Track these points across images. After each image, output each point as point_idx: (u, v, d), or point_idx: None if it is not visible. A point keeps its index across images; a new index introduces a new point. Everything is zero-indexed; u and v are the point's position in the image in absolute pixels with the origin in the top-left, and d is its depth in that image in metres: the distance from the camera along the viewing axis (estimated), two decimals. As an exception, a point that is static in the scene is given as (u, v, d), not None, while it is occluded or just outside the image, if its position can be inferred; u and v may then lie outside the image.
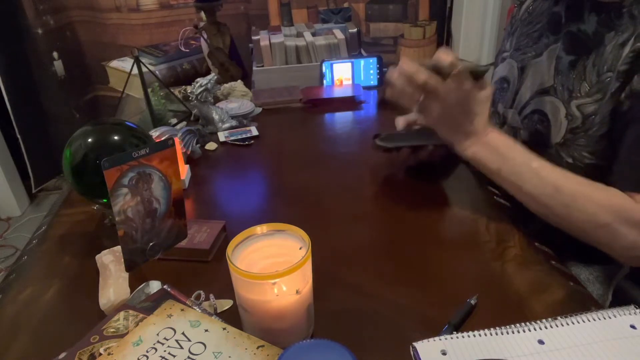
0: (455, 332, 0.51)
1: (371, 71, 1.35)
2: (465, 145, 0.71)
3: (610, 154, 0.68)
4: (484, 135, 0.70)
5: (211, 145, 1.03)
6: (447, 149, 0.86)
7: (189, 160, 0.96)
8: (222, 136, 1.07)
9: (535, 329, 0.50)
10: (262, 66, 1.37)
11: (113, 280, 0.61)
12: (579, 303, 0.58)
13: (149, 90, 1.07)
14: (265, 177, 0.94)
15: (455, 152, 0.73)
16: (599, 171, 0.69)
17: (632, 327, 0.50)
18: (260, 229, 0.53)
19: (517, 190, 0.69)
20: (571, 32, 0.72)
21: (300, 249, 0.51)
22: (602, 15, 0.68)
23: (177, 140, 0.88)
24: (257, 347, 0.45)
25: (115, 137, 0.71)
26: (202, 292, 0.59)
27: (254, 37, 1.38)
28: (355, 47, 1.44)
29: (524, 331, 0.50)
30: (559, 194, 0.65)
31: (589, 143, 0.69)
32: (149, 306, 0.52)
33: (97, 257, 0.66)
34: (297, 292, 0.49)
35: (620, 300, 0.75)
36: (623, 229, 0.61)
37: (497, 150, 0.69)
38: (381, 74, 1.36)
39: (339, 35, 1.39)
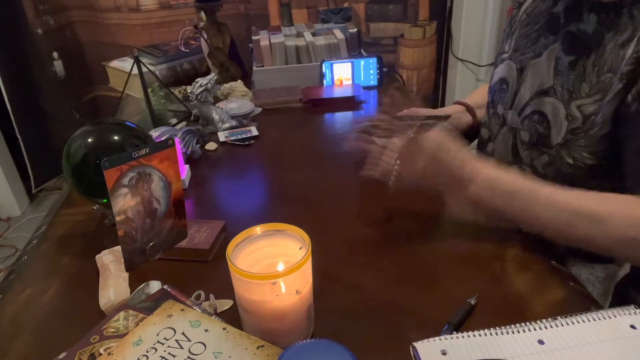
0: (455, 332, 0.51)
1: (371, 71, 1.35)
2: (461, 189, 0.67)
3: (611, 154, 0.68)
4: (477, 174, 0.66)
5: (211, 145, 1.03)
6: None
7: (189, 160, 0.96)
8: (222, 136, 1.07)
9: (535, 329, 0.50)
10: (262, 66, 1.37)
11: (113, 280, 0.61)
12: (579, 303, 0.58)
13: (149, 90, 1.07)
14: (265, 177, 0.94)
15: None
16: (600, 172, 0.69)
17: (632, 327, 0.50)
18: (260, 229, 0.53)
19: (532, 223, 0.65)
20: (570, 32, 0.72)
21: (300, 249, 0.51)
22: (602, 15, 0.68)
23: (177, 140, 0.88)
24: (257, 347, 0.45)
25: (115, 137, 0.71)
26: (202, 292, 0.59)
27: (254, 37, 1.38)
28: (355, 47, 1.44)
29: (524, 331, 0.50)
30: (578, 218, 0.61)
31: (590, 143, 0.69)
32: (149, 306, 0.52)
33: (97, 257, 0.66)
34: (297, 292, 0.49)
35: (620, 300, 0.75)
36: None
37: (499, 187, 0.65)
38: (381, 74, 1.36)
39: (339, 35, 1.39)
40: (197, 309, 0.51)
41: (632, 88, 0.63)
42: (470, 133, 0.99)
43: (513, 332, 0.50)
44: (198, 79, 1.07)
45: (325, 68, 1.33)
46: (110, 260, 0.64)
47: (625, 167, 0.65)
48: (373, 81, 1.36)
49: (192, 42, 1.72)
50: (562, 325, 0.51)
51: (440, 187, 0.70)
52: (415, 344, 0.49)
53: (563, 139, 0.71)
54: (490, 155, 0.88)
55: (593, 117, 0.68)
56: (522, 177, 0.66)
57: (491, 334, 0.50)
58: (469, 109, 0.98)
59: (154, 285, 0.57)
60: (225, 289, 0.56)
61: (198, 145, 0.98)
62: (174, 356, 0.45)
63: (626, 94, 0.64)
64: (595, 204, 0.61)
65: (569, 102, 0.71)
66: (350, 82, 1.35)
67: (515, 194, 0.65)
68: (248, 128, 1.10)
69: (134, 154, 0.57)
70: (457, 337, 0.49)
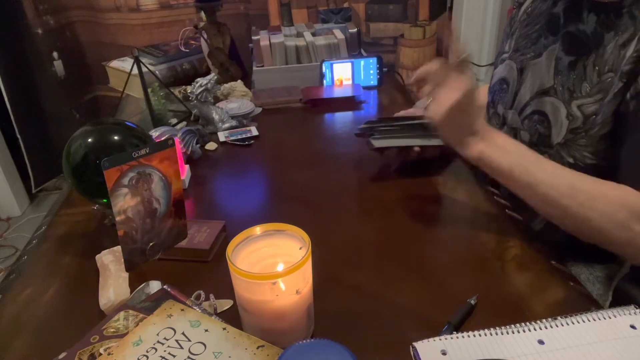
0: (455, 332, 0.51)
1: (371, 71, 1.35)
2: (472, 142, 0.68)
3: (611, 154, 0.68)
4: (488, 133, 0.68)
5: (211, 145, 1.03)
6: (440, 150, 0.86)
7: (189, 160, 0.96)
8: (222, 136, 1.07)
9: (535, 329, 0.50)
10: (262, 66, 1.37)
11: (113, 280, 0.61)
12: (579, 303, 0.58)
13: (149, 90, 1.07)
14: (265, 177, 0.94)
15: (458, 154, 0.70)
16: (600, 171, 0.69)
17: (632, 327, 0.50)
18: (260, 229, 0.53)
19: (530, 191, 0.66)
20: (570, 32, 0.72)
21: (300, 249, 0.51)
22: (602, 16, 0.68)
23: (177, 140, 0.88)
24: (257, 347, 0.45)
25: (115, 137, 0.71)
26: (202, 292, 0.59)
27: (254, 37, 1.38)
28: (355, 47, 1.44)
29: (524, 331, 0.50)
30: (575, 193, 0.62)
31: (590, 143, 0.69)
32: (149, 306, 0.52)
33: (97, 257, 0.66)
34: (297, 292, 0.49)
35: (620, 300, 0.75)
36: (638, 227, 0.59)
37: (506, 147, 0.67)
38: (381, 74, 1.36)
39: (339, 35, 1.39)
40: (197, 309, 0.51)
41: (631, 87, 0.63)
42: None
43: (513, 332, 0.50)
44: (198, 79, 1.07)
45: (325, 68, 1.33)
46: (110, 260, 0.64)
47: (623, 164, 0.65)
48: (373, 81, 1.36)
49: (192, 42, 1.72)
50: (562, 325, 0.51)
51: (452, 136, 0.69)
52: (415, 344, 0.49)
53: (564, 139, 0.71)
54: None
55: (594, 116, 0.68)
56: (524, 145, 0.68)
57: (491, 334, 0.50)
58: None
59: (154, 285, 0.57)
60: (225, 289, 0.56)
61: (198, 145, 0.98)
62: (174, 356, 0.45)
63: (625, 93, 0.64)
64: (593, 183, 0.63)
65: (570, 101, 0.71)
66: (350, 82, 1.35)
67: (522, 157, 0.67)
68: (248, 128, 1.10)
69: (134, 154, 0.57)
70: (457, 337, 0.49)
